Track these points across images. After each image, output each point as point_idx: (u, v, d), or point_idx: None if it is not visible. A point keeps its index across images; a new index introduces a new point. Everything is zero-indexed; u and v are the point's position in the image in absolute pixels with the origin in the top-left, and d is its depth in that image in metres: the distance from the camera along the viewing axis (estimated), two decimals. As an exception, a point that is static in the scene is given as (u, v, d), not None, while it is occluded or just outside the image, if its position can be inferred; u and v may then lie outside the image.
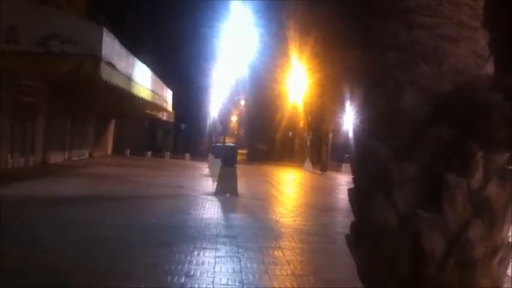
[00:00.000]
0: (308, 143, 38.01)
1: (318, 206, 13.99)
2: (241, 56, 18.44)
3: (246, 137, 59.42)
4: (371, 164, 2.29)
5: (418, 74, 2.24)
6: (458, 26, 2.30)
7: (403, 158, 2.20)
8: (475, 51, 2.31)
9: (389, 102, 2.29)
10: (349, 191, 2.41)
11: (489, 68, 2.33)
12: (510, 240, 2.22)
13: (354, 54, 2.79)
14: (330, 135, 35.52)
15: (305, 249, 7.71)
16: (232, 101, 25.35)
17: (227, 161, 14.74)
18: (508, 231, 2.20)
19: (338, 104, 27.03)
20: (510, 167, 2.25)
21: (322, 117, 35.87)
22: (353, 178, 2.45)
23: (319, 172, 30.69)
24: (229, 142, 22.23)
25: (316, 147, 37.58)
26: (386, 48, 2.35)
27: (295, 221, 10.80)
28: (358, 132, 2.49)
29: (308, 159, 34.84)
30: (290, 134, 47.24)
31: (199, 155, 37.23)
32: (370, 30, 2.50)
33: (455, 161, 2.11)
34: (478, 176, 2.09)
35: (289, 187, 21.58)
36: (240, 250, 7.16)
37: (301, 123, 41.18)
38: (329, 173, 30.28)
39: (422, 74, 2.24)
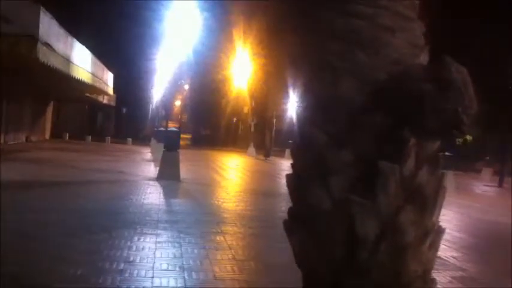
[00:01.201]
0: (252, 129, 38.18)
1: (261, 191, 14.11)
2: (185, 40, 18.20)
3: (190, 121, 59.01)
4: (308, 150, 2.32)
5: (355, 63, 2.27)
6: (394, 16, 2.34)
7: (340, 144, 2.23)
8: (411, 41, 2.35)
9: (327, 89, 2.31)
10: (287, 176, 2.43)
11: (424, 58, 2.39)
12: (440, 225, 2.31)
13: (295, 40, 2.80)
14: (274, 121, 35.80)
15: (247, 234, 7.77)
16: (176, 86, 25.06)
17: (170, 146, 14.61)
18: (438, 216, 2.28)
19: (282, 90, 27.24)
20: (441, 155, 2.33)
21: (266, 103, 36.09)
22: (292, 164, 2.47)
23: (263, 158, 30.90)
24: (172, 127, 21.98)
25: (260, 132, 37.81)
26: (325, 36, 2.37)
27: (237, 206, 10.85)
28: (298, 119, 2.51)
29: (252, 145, 35.01)
30: (234, 119, 47.30)
31: (141, 140, 36.74)
32: (309, 17, 2.51)
33: (389, 148, 2.16)
34: (411, 163, 2.15)
35: (232, 172, 21.64)
36: (181, 235, 7.14)
37: (246, 108, 41.30)
38: (272, 159, 30.55)
39: (360, 62, 2.26)
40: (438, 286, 5.62)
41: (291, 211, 2.39)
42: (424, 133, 2.17)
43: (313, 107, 2.39)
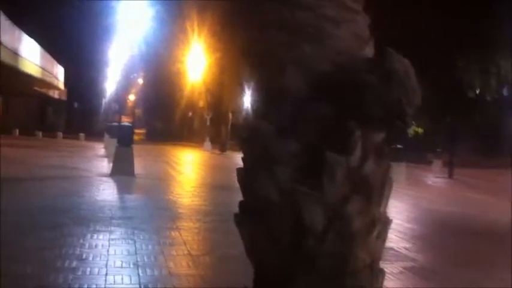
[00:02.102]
0: (207, 123, 38.03)
1: (216, 185, 14.08)
2: (137, 33, 17.95)
3: (144, 116, 58.30)
4: (255, 141, 2.33)
5: (301, 54, 2.28)
6: (339, 8, 2.36)
7: (286, 135, 2.25)
8: (356, 33, 2.38)
9: (272, 80, 2.32)
10: (238, 170, 2.43)
11: (368, 50, 2.42)
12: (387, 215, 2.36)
13: (244, 33, 2.80)
14: (230, 115, 35.75)
15: (202, 229, 7.75)
16: (129, 79, 24.72)
17: (123, 141, 14.41)
18: (385, 207, 2.33)
19: (238, 84, 27.22)
20: (393, 147, 2.38)
21: (221, 97, 35.98)
22: (242, 158, 2.47)
23: (219, 152, 30.84)
24: (126, 121, 21.65)
25: (216, 126, 37.72)
26: (270, 27, 2.37)
27: (192, 201, 10.81)
28: (245, 111, 2.52)
29: (207, 139, 34.91)
30: (189, 113, 47.01)
31: (94, 135, 36.04)
32: (256, 9, 2.51)
33: (335, 138, 2.19)
34: (357, 153, 2.18)
35: (187, 167, 21.51)
36: (135, 232, 7.05)
37: (201, 102, 41.07)
38: (228, 153, 30.52)
39: (305, 54, 2.28)
40: (390, 277, 5.76)
41: (241, 204, 2.40)
42: (368, 124, 2.21)
43: (260, 99, 2.39)
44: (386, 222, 2.30)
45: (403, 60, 2.23)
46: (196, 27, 33.94)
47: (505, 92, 15.62)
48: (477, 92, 16.58)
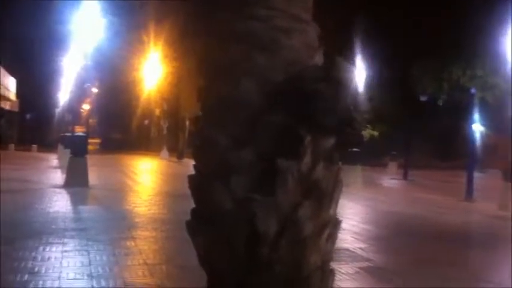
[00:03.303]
0: (165, 131, 37.76)
1: (174, 193, 13.95)
2: (91, 42, 17.69)
3: (99, 125, 57.39)
4: (210, 150, 2.35)
5: (254, 64, 2.32)
6: (291, 18, 2.41)
7: (240, 144, 2.28)
8: (306, 43, 2.44)
9: (227, 90, 2.35)
10: (190, 177, 2.44)
11: (318, 59, 2.48)
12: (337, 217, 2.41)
13: (199, 42, 2.82)
14: (187, 122, 35.56)
15: (159, 238, 7.68)
16: (83, 89, 24.34)
17: (77, 151, 14.15)
18: (335, 210, 2.38)
19: (195, 92, 27.09)
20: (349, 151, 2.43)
21: (179, 105, 35.79)
22: (194, 165, 2.49)
23: (176, 160, 30.62)
24: (80, 131, 21.26)
25: (174, 135, 37.48)
26: (225, 38, 2.41)
27: (149, 210, 10.70)
28: (199, 120, 2.53)
29: (165, 148, 34.65)
30: (146, 122, 46.57)
31: (47, 146, 35.23)
32: (210, 20, 2.54)
33: (287, 146, 2.23)
34: (307, 159, 2.23)
35: (144, 176, 21.29)
36: (89, 243, 6.93)
37: (158, 111, 40.75)
38: (186, 161, 30.29)
39: (258, 64, 2.32)
40: (345, 277, 5.85)
41: (193, 212, 2.41)
42: (319, 131, 2.26)
43: (214, 108, 2.42)
44: (336, 224, 2.35)
45: (350, 68, 2.30)
46: (152, 36, 33.70)
47: (457, 95, 16.17)
48: (430, 96, 17.07)
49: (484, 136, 33.24)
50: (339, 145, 2.39)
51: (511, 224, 11.11)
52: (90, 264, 5.85)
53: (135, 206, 11.22)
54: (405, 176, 24.53)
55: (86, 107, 54.97)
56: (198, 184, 2.39)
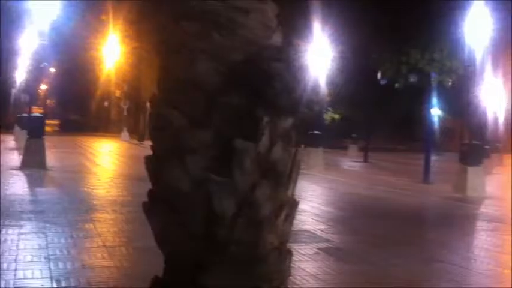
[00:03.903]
0: (125, 113, 37.23)
1: (134, 175, 13.80)
2: (49, 20, 17.17)
3: (58, 106, 56.16)
4: (166, 131, 2.32)
5: (211, 43, 2.29)
6: (249, -3, 2.38)
7: (197, 124, 2.26)
8: (264, 22, 2.41)
9: (184, 70, 2.32)
10: (146, 158, 2.41)
11: (276, 39, 2.46)
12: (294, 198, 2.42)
13: (156, 21, 2.77)
14: (148, 104, 35.11)
15: (118, 220, 7.62)
16: (40, 68, 23.65)
17: (34, 132, 13.84)
18: (293, 190, 2.39)
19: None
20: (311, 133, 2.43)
21: (139, 86, 35.31)
22: (151, 146, 2.45)
23: (137, 142, 30.29)
24: (37, 112, 20.75)
25: (134, 116, 37.02)
26: (180, 17, 2.36)
27: (108, 192, 10.58)
28: (155, 100, 2.49)
29: (125, 129, 34.21)
30: (106, 103, 45.80)
31: (3, 127, 34.27)
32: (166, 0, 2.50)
33: (245, 126, 2.22)
34: (265, 140, 2.22)
35: (104, 158, 21.01)
36: (47, 225, 6.81)
37: (118, 92, 40.11)
38: (146, 143, 29.97)
39: (215, 43, 2.29)
40: (305, 258, 5.91)
41: (150, 193, 2.38)
42: (276, 111, 2.25)
43: (171, 88, 2.38)
44: (293, 204, 2.36)
45: (308, 49, 2.30)
46: (112, 16, 33.01)
47: (414, 79, 16.43)
48: (389, 79, 17.30)
49: (441, 119, 34.05)
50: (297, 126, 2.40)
51: (465, 205, 11.47)
52: (47, 247, 5.76)
53: (94, 189, 11.08)
54: (365, 159, 24.93)
55: (43, 87, 53.63)
56: (155, 165, 2.36)
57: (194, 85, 2.29)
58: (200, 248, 2.21)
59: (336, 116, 31.46)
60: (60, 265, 5.11)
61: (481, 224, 9.46)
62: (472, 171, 12.99)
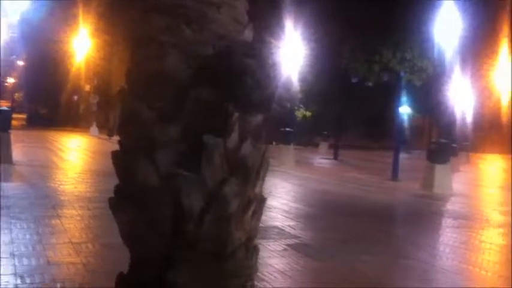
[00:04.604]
0: (95, 107, 36.74)
1: (102, 171, 13.63)
2: (19, 12, 16.85)
3: (26, 100, 55.07)
4: (135, 125, 2.29)
5: (181, 38, 2.27)
6: (219, -8, 2.37)
7: (167, 119, 2.23)
8: (235, 18, 2.40)
9: (153, 64, 2.29)
10: (113, 153, 2.38)
11: (248, 35, 2.45)
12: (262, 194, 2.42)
13: (126, 15, 2.74)
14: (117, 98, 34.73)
15: (85, 216, 7.50)
16: (8, 61, 23.12)
17: (0, 126, 13.52)
18: (261, 187, 2.39)
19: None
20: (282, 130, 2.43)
21: (110, 80, 34.88)
22: (119, 140, 2.42)
23: (107, 137, 29.90)
24: (4, 106, 20.37)
25: (104, 111, 36.57)
26: (150, 10, 2.34)
27: (76, 187, 10.42)
28: (124, 94, 2.45)
29: (94, 124, 33.75)
30: (75, 97, 45.13)
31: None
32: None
33: (214, 122, 2.20)
34: (234, 136, 2.21)
35: (72, 153, 20.70)
36: (12, 221, 6.66)
37: (88, 86, 39.54)
38: (116, 138, 29.57)
39: (186, 37, 2.27)
40: (274, 254, 5.92)
41: (117, 188, 2.35)
42: (247, 107, 2.24)
43: (140, 82, 2.35)
44: (261, 201, 2.36)
45: (278, 46, 2.29)
46: (82, 9, 32.53)
47: (386, 77, 16.65)
48: (361, 78, 17.46)
49: (411, 118, 34.55)
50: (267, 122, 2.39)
51: (432, 202, 11.65)
52: (12, 243, 5.63)
53: (61, 184, 10.89)
54: (336, 156, 25.11)
55: (11, 80, 52.62)
56: (122, 160, 2.33)
57: (164, 79, 2.27)
58: (167, 244, 2.19)
59: (308, 113, 31.60)
60: (25, 261, 5.00)
61: (447, 221, 9.62)
62: (439, 169, 13.20)
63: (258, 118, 2.34)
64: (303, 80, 21.60)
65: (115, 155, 2.37)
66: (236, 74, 2.20)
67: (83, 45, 33.95)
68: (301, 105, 29.73)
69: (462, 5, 15.44)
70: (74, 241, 5.95)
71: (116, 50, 29.92)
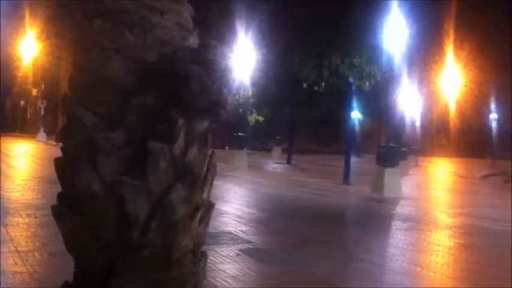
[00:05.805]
0: (42, 112, 35.83)
1: (49, 178, 13.23)
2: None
3: (-31, 105, 53.24)
4: (77, 132, 2.25)
5: (124, 43, 2.24)
6: (163, -2, 2.35)
7: (110, 125, 2.20)
8: (180, 23, 2.40)
9: (96, 69, 2.26)
10: (56, 160, 2.33)
11: (193, 40, 2.44)
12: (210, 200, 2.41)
13: (69, 19, 2.69)
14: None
15: (31, 224, 7.29)
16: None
17: None
18: (209, 193, 2.38)
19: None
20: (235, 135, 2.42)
21: (58, 85, 34.10)
22: (61, 147, 2.37)
23: (54, 143, 29.17)
24: None
25: (53, 116, 35.73)
26: (92, 14, 2.30)
27: (22, 195, 10.14)
28: (67, 99, 2.41)
29: (42, 130, 32.92)
30: (22, 102, 43.95)
31: None
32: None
33: (159, 128, 2.19)
34: (180, 142, 2.20)
35: (19, 160, 20.14)
36: (-47, 231, 6.43)
37: (35, 90, 38.56)
38: (64, 144, 29.01)
39: (128, 43, 2.25)
40: (226, 259, 5.91)
41: (60, 196, 2.30)
42: (192, 113, 2.24)
43: (82, 87, 2.31)
44: (209, 207, 2.36)
45: (225, 52, 2.30)
46: (29, 12, 31.71)
47: (335, 83, 16.96)
48: (312, 82, 17.72)
49: (361, 122, 35.21)
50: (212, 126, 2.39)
51: (382, 205, 11.90)
52: (-46, 253, 5.43)
53: (7, 191, 10.56)
54: (288, 160, 25.32)
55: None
56: (65, 166, 2.28)
57: (107, 84, 2.23)
58: (111, 252, 2.15)
59: (260, 118, 31.76)
60: (-32, 272, 4.84)
61: (397, 224, 9.84)
62: (388, 172, 13.49)
63: (204, 124, 2.34)
64: (255, 84, 21.72)
65: (58, 162, 2.33)
66: (181, 80, 2.19)
67: (30, 49, 33.08)
68: (254, 110, 29.86)
69: (409, 12, 15.86)
70: (20, 250, 5.79)
71: (64, 54, 29.25)
